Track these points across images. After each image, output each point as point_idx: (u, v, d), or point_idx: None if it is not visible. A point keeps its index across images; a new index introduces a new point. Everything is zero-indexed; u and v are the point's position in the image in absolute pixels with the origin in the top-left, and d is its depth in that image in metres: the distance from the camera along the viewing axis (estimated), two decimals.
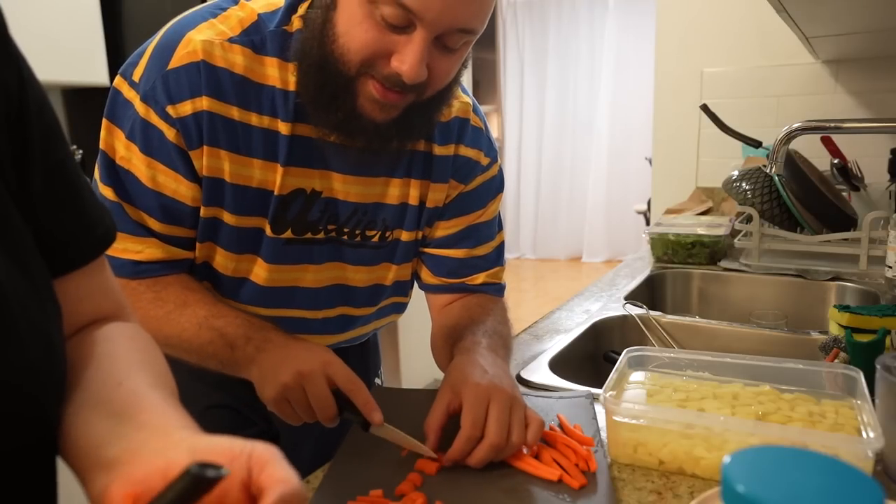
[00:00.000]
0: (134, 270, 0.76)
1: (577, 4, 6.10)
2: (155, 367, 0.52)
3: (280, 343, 0.74)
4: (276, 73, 0.75)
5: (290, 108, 0.76)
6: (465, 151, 0.89)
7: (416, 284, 0.99)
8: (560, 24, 6.21)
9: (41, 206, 0.47)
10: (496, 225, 0.97)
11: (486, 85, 6.63)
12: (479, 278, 0.94)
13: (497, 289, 0.97)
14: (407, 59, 0.67)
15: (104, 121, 0.76)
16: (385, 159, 0.83)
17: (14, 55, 0.45)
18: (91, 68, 1.99)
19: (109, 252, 0.55)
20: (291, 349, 0.73)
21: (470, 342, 0.82)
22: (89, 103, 2.21)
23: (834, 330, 0.96)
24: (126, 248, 0.76)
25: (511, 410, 0.70)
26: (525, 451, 0.69)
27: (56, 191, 0.48)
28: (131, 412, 0.43)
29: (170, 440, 0.40)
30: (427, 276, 0.96)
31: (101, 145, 0.77)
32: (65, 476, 0.49)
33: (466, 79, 3.25)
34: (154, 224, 0.77)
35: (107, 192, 0.76)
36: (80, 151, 2.13)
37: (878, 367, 0.66)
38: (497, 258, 0.96)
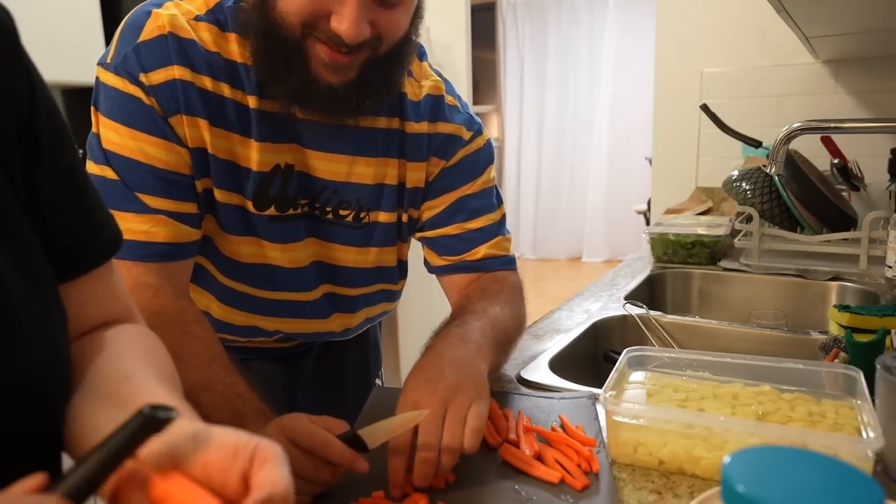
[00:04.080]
0: (141, 252, 0.74)
1: (577, 4, 6.10)
2: (161, 365, 0.52)
3: (253, 430, 0.68)
4: (237, 49, 0.76)
5: (254, 83, 0.76)
6: (444, 128, 0.88)
7: (405, 273, 0.98)
8: (560, 24, 6.21)
9: (49, 212, 0.48)
10: (491, 198, 0.94)
11: (486, 85, 6.63)
12: (480, 251, 0.91)
13: (503, 261, 0.93)
14: (344, 20, 0.67)
15: (91, 108, 0.77)
16: (353, 137, 0.82)
17: (25, 64, 0.46)
18: (91, 68, 1.97)
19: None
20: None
21: (436, 340, 0.78)
22: (89, 103, 2.21)
23: (834, 330, 0.96)
24: (131, 227, 0.73)
25: (447, 415, 0.64)
26: (528, 451, 0.69)
27: (64, 196, 0.49)
28: (136, 403, 0.44)
29: (173, 427, 0.40)
30: (432, 257, 0.94)
31: (93, 129, 0.77)
32: None
33: (466, 79, 3.27)
34: (158, 202, 0.75)
35: (106, 171, 0.75)
36: (80, 151, 2.12)
37: (878, 367, 0.66)
38: (497, 229, 0.93)
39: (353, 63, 0.72)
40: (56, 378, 0.45)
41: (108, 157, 0.75)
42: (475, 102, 6.63)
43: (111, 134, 0.74)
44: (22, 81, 0.45)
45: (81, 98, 2.25)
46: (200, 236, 0.80)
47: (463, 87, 3.26)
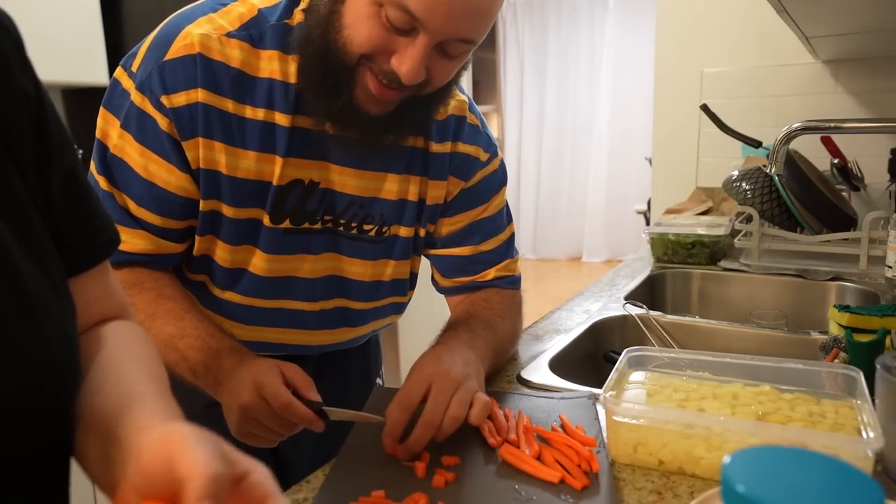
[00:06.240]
0: (116, 259, 0.75)
1: (577, 4, 6.10)
2: (149, 363, 0.54)
3: (229, 373, 0.73)
4: (276, 66, 0.76)
5: (291, 100, 0.77)
6: (464, 148, 0.90)
7: (415, 285, 0.99)
8: (560, 24, 6.21)
9: (57, 210, 0.49)
10: (503, 218, 0.97)
11: (486, 85, 6.63)
12: (490, 274, 0.94)
13: (509, 281, 0.96)
14: (406, 62, 0.68)
15: (101, 109, 0.77)
16: (381, 154, 0.83)
17: (30, 66, 0.48)
18: (91, 68, 1.99)
19: None
20: (234, 380, 0.72)
21: (447, 337, 0.84)
22: (89, 103, 2.21)
23: (834, 330, 0.96)
24: None
25: (455, 392, 0.70)
26: (528, 451, 0.69)
27: (69, 195, 0.50)
28: (126, 417, 0.44)
29: (151, 446, 0.39)
30: (440, 278, 0.97)
31: (97, 134, 0.77)
32: (76, 476, 0.49)
33: (466, 78, 3.26)
34: (147, 215, 0.77)
35: (100, 180, 0.77)
36: (80, 151, 2.12)
37: (878, 367, 0.66)
38: (506, 250, 0.96)
39: (396, 100, 0.73)
40: (70, 374, 0.47)
41: (111, 163, 0.76)
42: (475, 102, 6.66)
43: (120, 141, 0.76)
44: (30, 83, 0.47)
45: (81, 98, 2.25)
46: (181, 249, 0.82)
47: (463, 87, 3.26)
